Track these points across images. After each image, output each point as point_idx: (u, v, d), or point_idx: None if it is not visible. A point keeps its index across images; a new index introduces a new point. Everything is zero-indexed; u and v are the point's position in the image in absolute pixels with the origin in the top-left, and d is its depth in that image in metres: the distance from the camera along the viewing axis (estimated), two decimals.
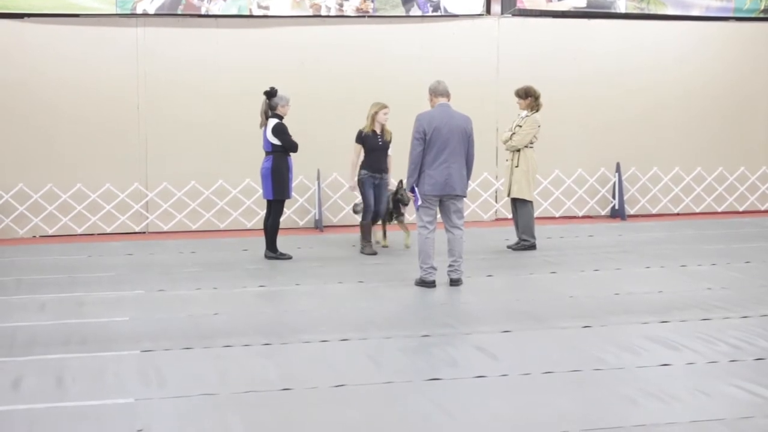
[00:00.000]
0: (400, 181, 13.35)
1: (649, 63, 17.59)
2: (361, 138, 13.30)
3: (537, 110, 13.43)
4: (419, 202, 10.84)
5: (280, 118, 12.80)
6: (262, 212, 14.01)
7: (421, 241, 10.91)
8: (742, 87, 18.12)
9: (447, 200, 10.86)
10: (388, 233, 14.01)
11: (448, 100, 11.00)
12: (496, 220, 17.03)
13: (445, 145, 10.72)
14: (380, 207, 13.41)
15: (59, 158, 15.55)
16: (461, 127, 10.81)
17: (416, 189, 10.83)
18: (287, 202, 13.52)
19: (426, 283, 10.95)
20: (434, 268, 10.95)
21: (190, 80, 15.92)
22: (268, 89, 12.85)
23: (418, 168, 10.78)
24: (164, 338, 8.69)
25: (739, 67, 18.09)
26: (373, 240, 13.46)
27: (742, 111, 18.17)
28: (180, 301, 10.40)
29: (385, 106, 13.33)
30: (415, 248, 11.58)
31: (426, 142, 10.73)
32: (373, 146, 13.28)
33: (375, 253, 13.17)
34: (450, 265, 11.06)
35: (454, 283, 11.01)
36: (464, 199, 11.01)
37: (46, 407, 6.76)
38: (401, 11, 16.56)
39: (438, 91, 11.01)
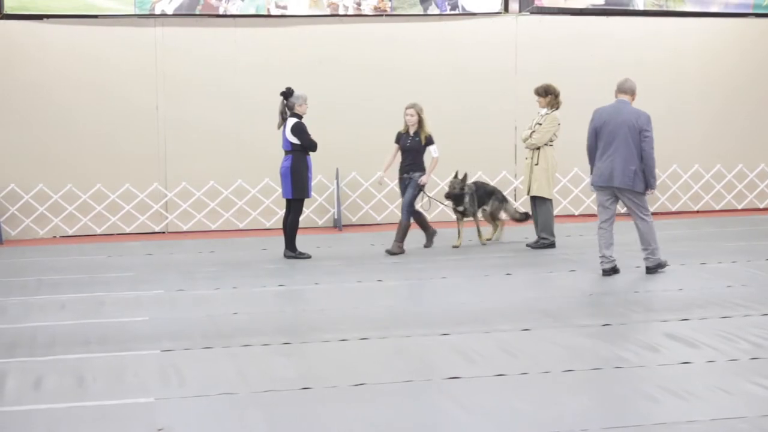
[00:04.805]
0: (455, 175, 13.54)
1: (668, 60, 17.50)
2: (397, 138, 13.44)
3: (557, 108, 13.40)
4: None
5: (300, 117, 12.82)
6: (281, 212, 14.02)
7: (597, 232, 11.50)
8: (762, 83, 18.01)
9: (620, 193, 11.27)
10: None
11: (631, 98, 11.35)
12: None
13: (612, 138, 11.16)
14: (405, 203, 13.27)
15: (78, 159, 15.61)
16: (629, 122, 11.11)
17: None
18: (306, 201, 13.52)
19: (604, 272, 11.37)
20: (605, 257, 11.37)
21: (209, 80, 15.96)
22: (285, 89, 12.88)
23: (592, 160, 11.42)
24: (184, 338, 8.71)
25: (759, 63, 17.98)
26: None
27: (762, 107, 18.05)
28: (199, 300, 10.43)
29: (408, 107, 13.31)
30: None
31: (596, 135, 11.27)
32: (402, 147, 13.36)
33: (397, 253, 13.11)
34: (643, 254, 11.46)
35: (649, 270, 11.38)
36: (641, 194, 11.24)
37: (67, 407, 6.78)
38: (419, 10, 16.54)
39: (620, 88, 11.42)
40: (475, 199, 13.66)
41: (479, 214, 13.86)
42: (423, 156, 13.33)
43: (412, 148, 13.24)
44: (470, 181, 13.90)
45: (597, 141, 11.30)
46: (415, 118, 13.19)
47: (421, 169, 13.27)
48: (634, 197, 11.22)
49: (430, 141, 13.26)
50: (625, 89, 11.35)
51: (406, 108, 13.29)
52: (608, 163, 11.16)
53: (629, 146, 11.08)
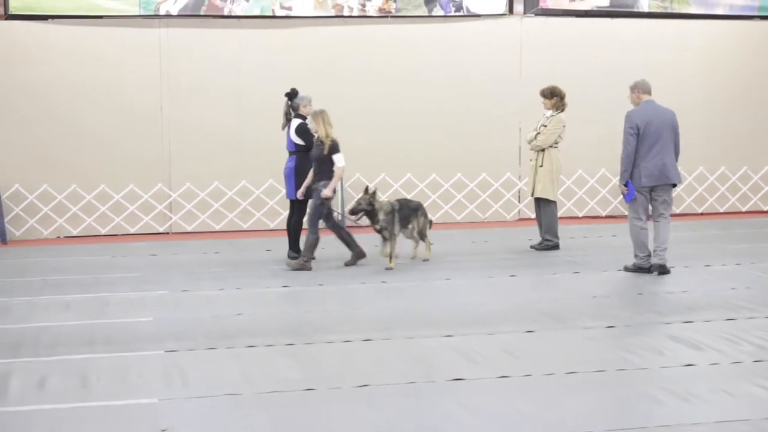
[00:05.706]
0: (365, 190, 12.51)
1: (673, 62, 17.48)
2: None
3: (562, 110, 13.40)
4: (633, 196, 11.42)
5: (304, 118, 12.82)
6: (285, 212, 14.01)
7: (635, 232, 11.55)
8: (766, 85, 18.00)
9: (657, 190, 11.39)
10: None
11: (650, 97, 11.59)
12: (519, 219, 16.99)
13: (657, 138, 11.34)
14: (308, 217, 12.47)
15: (83, 159, 15.62)
16: (670, 121, 11.45)
17: (630, 183, 11.43)
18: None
19: (643, 269, 11.53)
20: (650, 255, 11.50)
21: (213, 81, 15.96)
22: (289, 90, 12.89)
23: (632, 162, 11.40)
24: (188, 338, 8.72)
25: (763, 65, 17.96)
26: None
27: (766, 109, 18.04)
28: (203, 301, 10.44)
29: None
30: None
31: (639, 136, 11.34)
32: (311, 155, 12.51)
33: (298, 269, 12.22)
34: (653, 252, 11.49)
35: (659, 269, 11.42)
36: (672, 189, 11.55)
37: (71, 407, 6.80)
38: (424, 11, 16.54)
39: (644, 89, 11.65)
40: (395, 217, 12.44)
41: (401, 233, 12.61)
42: (329, 165, 12.26)
43: (317, 157, 12.31)
44: (387, 197, 12.93)
45: (638, 142, 11.37)
46: (312, 126, 12.36)
47: (327, 178, 12.28)
48: (669, 194, 11.45)
49: (333, 149, 12.21)
50: (648, 89, 11.59)
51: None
52: (658, 161, 11.30)
53: (671, 144, 11.39)
